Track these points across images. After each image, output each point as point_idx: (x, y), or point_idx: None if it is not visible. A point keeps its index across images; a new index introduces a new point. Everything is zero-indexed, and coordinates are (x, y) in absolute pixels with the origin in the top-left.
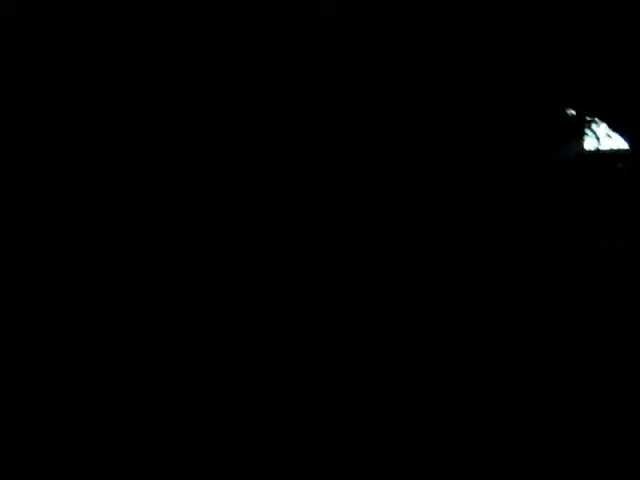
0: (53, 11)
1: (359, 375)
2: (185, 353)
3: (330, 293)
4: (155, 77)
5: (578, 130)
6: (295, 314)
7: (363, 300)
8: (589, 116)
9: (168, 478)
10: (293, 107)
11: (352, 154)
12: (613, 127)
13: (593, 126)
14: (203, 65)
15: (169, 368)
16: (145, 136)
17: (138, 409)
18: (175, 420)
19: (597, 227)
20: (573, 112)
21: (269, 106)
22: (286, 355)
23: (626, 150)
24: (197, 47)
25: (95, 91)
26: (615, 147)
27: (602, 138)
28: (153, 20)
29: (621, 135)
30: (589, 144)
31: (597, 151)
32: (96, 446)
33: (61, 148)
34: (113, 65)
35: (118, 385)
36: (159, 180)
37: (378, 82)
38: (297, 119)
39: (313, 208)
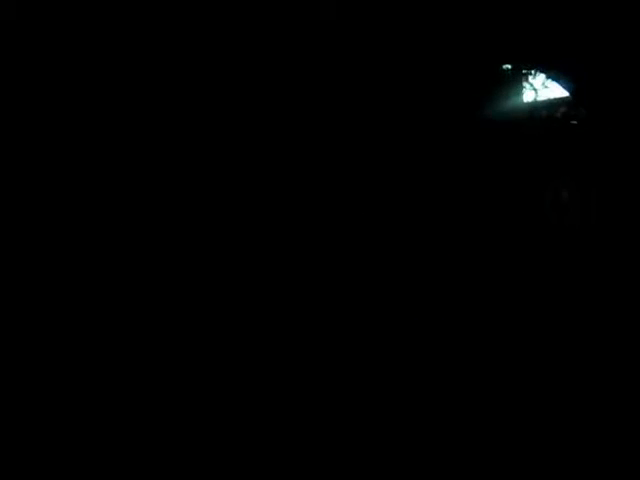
0: (52, 12)
1: (358, 373)
2: (185, 352)
3: (328, 292)
4: (155, 77)
5: (516, 83)
6: (294, 313)
7: (358, 298)
8: (526, 69)
9: (168, 478)
10: (293, 105)
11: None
12: (554, 76)
13: (530, 79)
14: (204, 65)
15: (169, 367)
16: (145, 136)
17: (138, 407)
18: (175, 419)
19: (543, 174)
20: (509, 66)
21: (269, 105)
22: (286, 354)
23: (561, 98)
24: (198, 47)
25: (94, 91)
26: (551, 97)
27: (539, 89)
28: (153, 21)
29: (561, 82)
30: (527, 96)
31: (535, 101)
32: (96, 445)
33: (61, 147)
34: (112, 65)
35: (118, 384)
36: (159, 180)
37: (375, 68)
38: (297, 117)
39: (312, 206)
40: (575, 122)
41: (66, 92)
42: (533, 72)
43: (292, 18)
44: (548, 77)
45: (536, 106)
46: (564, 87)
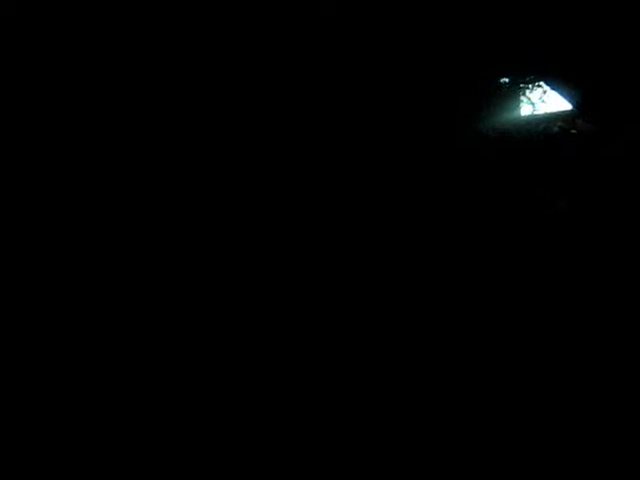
0: (52, 11)
1: (358, 374)
2: (185, 353)
3: (328, 292)
4: (155, 76)
5: (514, 97)
6: (294, 314)
7: (359, 299)
8: (524, 83)
9: (168, 478)
10: (293, 104)
11: (347, 149)
12: (555, 87)
13: (528, 93)
14: (204, 63)
15: (169, 368)
16: (145, 135)
17: (138, 408)
18: (175, 419)
19: (537, 185)
20: (507, 80)
21: (270, 103)
22: (286, 354)
23: (559, 112)
24: (198, 45)
25: (94, 90)
26: (549, 110)
27: (537, 103)
28: (153, 20)
29: (561, 93)
30: (525, 110)
31: (533, 115)
32: (96, 446)
33: (60, 146)
34: (112, 64)
35: (118, 384)
36: (159, 180)
37: (373, 76)
38: (297, 116)
39: (312, 206)
40: (575, 131)
41: (66, 91)
42: (530, 86)
43: (292, 15)
44: (552, 89)
45: (533, 120)
46: (567, 99)
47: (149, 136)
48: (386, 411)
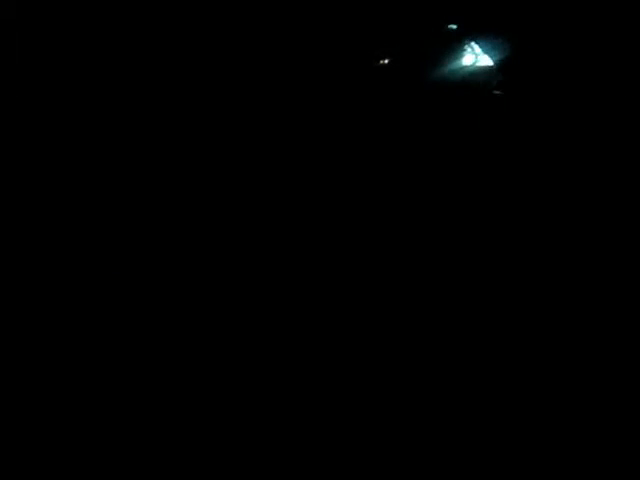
0: (52, 12)
1: (359, 375)
2: (184, 353)
3: (329, 292)
4: (154, 78)
5: (459, 46)
6: (294, 313)
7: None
8: (469, 33)
9: (168, 478)
10: (294, 106)
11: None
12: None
13: (472, 43)
14: (204, 66)
15: (169, 368)
16: (144, 136)
17: (137, 409)
18: (175, 420)
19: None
20: (454, 27)
21: (270, 105)
22: (285, 355)
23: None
24: (198, 48)
25: (94, 91)
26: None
27: (479, 55)
28: (152, 20)
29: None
30: (468, 59)
31: (475, 66)
32: (96, 446)
33: (60, 148)
34: (112, 66)
35: (117, 384)
36: (158, 180)
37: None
38: (298, 118)
39: (313, 208)
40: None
41: (66, 92)
42: (475, 35)
43: (291, 18)
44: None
45: (474, 72)
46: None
47: (148, 136)
48: (386, 409)
